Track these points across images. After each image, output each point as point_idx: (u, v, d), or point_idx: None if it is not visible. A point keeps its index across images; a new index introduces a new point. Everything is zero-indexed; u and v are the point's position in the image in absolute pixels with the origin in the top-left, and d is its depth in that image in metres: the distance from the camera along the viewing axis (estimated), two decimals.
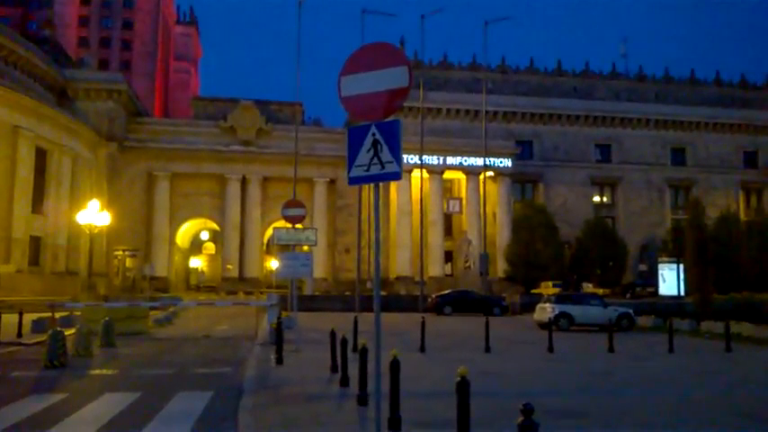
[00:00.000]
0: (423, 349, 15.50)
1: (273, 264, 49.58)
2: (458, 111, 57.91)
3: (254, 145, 56.26)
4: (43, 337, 14.82)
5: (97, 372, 12.67)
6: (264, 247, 59.63)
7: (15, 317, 19.23)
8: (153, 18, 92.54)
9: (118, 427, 7.83)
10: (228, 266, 55.89)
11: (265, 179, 56.29)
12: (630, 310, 25.52)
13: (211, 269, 73.91)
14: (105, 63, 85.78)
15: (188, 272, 70.99)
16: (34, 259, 42.57)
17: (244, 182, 56.43)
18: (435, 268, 53.13)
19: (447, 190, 56.64)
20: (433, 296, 36.12)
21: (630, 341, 19.58)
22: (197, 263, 76.40)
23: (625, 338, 19.77)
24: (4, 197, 40.07)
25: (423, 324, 16.27)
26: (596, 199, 61.57)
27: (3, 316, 18.23)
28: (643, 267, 56.70)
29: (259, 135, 56.41)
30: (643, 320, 26.26)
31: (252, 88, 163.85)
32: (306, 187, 53.25)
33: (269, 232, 54.09)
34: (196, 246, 74.21)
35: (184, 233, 62.60)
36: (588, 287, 47.55)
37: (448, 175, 55.56)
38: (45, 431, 7.49)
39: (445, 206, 53.58)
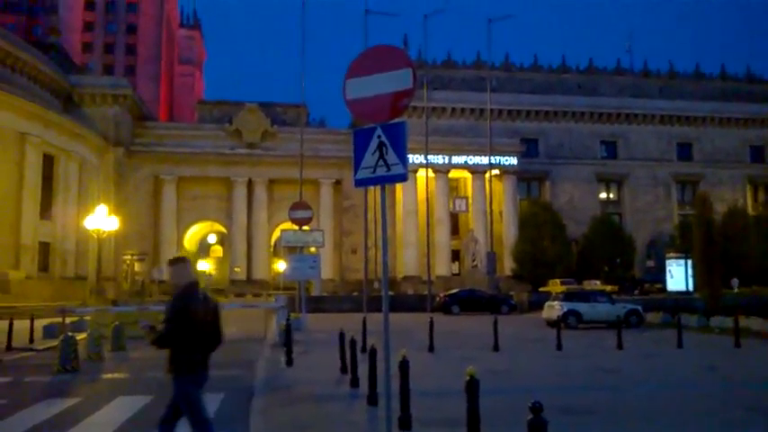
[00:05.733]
0: (431, 349, 15.52)
1: (281, 265, 49.67)
2: (462, 110, 57.88)
3: (259, 147, 56.43)
4: (55, 343, 14.94)
5: (109, 376, 12.79)
6: (272, 249, 59.75)
7: (26, 323, 19.37)
8: (157, 22, 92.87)
9: (132, 430, 7.92)
10: (236, 269, 56.04)
11: (271, 181, 56.44)
12: (639, 307, 25.49)
13: (219, 272, 74.04)
14: (110, 68, 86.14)
15: (196, 275, 71.09)
16: (43, 265, 42.84)
17: (250, 184, 56.60)
18: (442, 267, 53.10)
19: (453, 189, 56.62)
20: (441, 295, 36.06)
21: (639, 337, 19.57)
22: (205, 266, 76.56)
23: (634, 335, 19.74)
24: (13, 204, 40.38)
25: (431, 324, 16.30)
26: (602, 195, 61.42)
27: (14, 322, 18.39)
28: (650, 263, 56.55)
29: (264, 137, 56.58)
30: (651, 317, 26.20)
31: (256, 91, 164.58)
32: (312, 188, 53.37)
33: (276, 234, 54.22)
34: (204, 249, 74.43)
35: (192, 236, 62.81)
36: (596, 284, 47.42)
37: (453, 174, 55.55)
38: None
39: (451, 205, 53.56)
